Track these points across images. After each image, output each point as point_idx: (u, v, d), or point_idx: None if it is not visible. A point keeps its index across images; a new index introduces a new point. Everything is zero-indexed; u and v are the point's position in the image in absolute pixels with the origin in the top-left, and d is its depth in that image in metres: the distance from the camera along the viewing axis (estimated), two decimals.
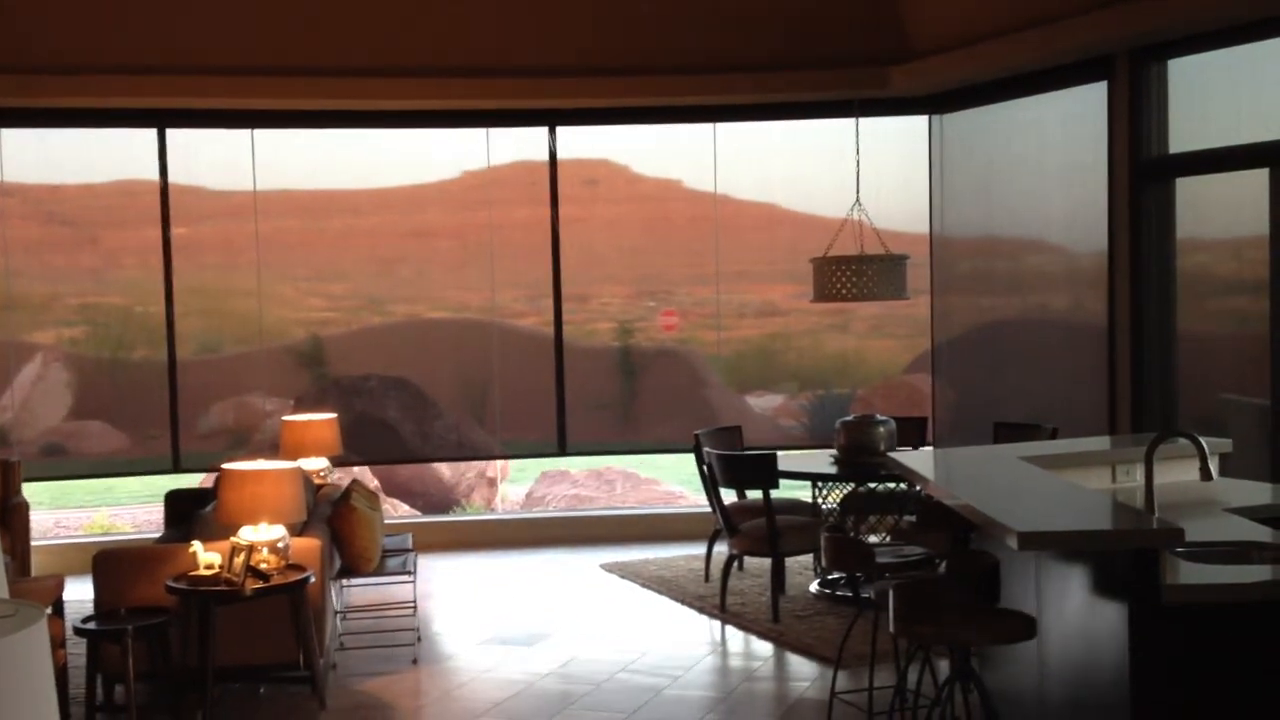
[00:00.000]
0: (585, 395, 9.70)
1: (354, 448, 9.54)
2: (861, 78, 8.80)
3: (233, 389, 9.49)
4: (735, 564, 7.77)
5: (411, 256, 9.77)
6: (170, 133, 9.01)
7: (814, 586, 7.73)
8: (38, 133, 8.96)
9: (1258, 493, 4.98)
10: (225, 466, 5.88)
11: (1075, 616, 4.10)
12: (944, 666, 5.05)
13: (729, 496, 7.90)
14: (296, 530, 6.00)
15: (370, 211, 9.68)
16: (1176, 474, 5.02)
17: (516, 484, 15.57)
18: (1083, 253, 8.17)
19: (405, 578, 6.80)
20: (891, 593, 4.30)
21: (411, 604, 6.97)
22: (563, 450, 9.75)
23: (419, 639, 6.83)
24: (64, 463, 9.34)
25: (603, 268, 9.86)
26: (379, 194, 9.67)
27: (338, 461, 8.03)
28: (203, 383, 9.29)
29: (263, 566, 5.58)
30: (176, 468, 9.20)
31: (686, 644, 6.85)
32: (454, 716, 5.73)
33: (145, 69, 8.40)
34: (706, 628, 7.17)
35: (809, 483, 7.73)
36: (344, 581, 7.18)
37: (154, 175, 9.04)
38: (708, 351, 9.96)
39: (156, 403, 9.13)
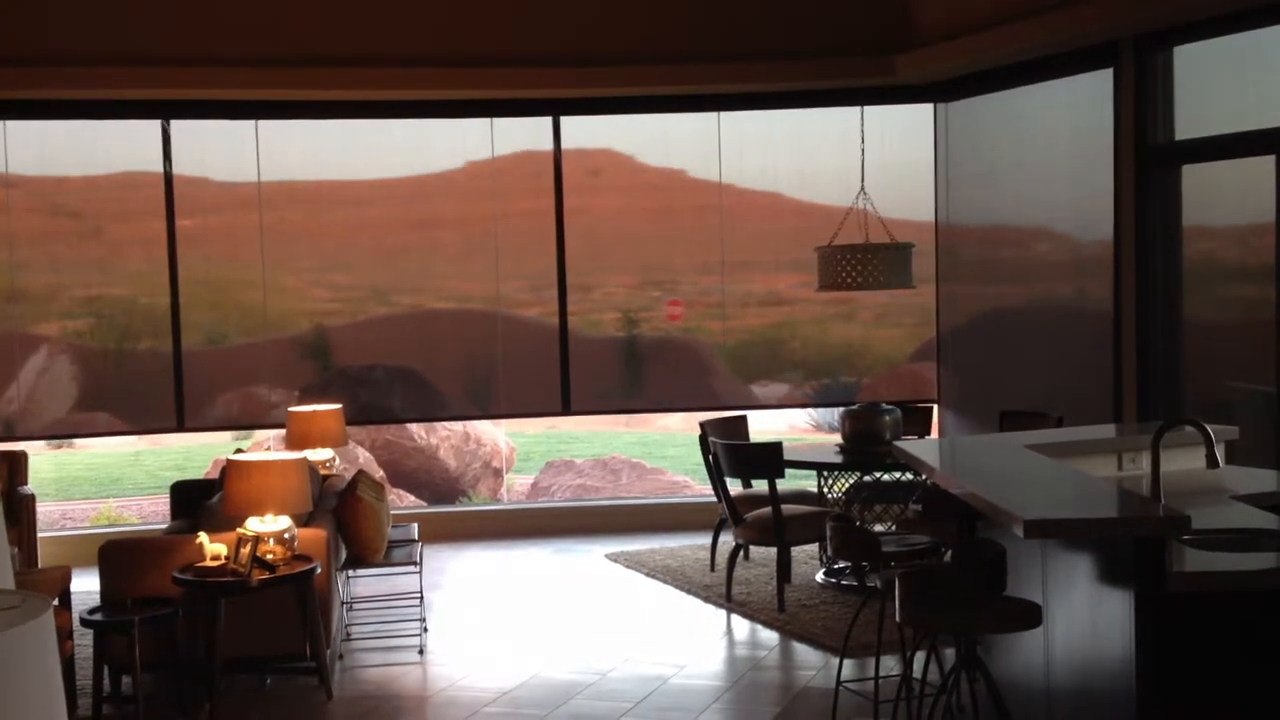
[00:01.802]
0: (590, 384, 9.69)
1: (359, 437, 9.56)
2: (866, 66, 8.77)
3: (238, 380, 9.50)
4: (741, 553, 7.77)
5: (415, 247, 9.75)
6: (174, 124, 9.02)
7: (819, 576, 7.73)
8: (41, 125, 8.95)
9: (1264, 480, 4.97)
10: (231, 458, 5.89)
11: (1081, 604, 4.10)
12: (950, 655, 5.05)
13: (735, 486, 7.91)
14: (303, 521, 6.01)
15: (374, 202, 9.67)
16: (1183, 462, 5.00)
17: (522, 474, 15.58)
18: (1088, 240, 8.15)
19: (411, 568, 6.80)
20: (897, 581, 4.31)
21: (418, 594, 6.99)
22: (567, 409, 9.73)
23: (425, 629, 6.85)
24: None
25: (607, 258, 9.84)
26: (383, 185, 9.66)
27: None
28: (208, 374, 9.30)
29: (269, 557, 5.59)
30: (181, 428, 9.25)
31: (692, 633, 6.86)
32: (461, 706, 5.74)
33: (149, 60, 8.39)
34: (712, 617, 7.17)
35: (814, 472, 7.73)
36: (350, 572, 7.20)
37: (158, 167, 9.04)
38: (713, 341, 9.95)
39: (162, 394, 9.14)
